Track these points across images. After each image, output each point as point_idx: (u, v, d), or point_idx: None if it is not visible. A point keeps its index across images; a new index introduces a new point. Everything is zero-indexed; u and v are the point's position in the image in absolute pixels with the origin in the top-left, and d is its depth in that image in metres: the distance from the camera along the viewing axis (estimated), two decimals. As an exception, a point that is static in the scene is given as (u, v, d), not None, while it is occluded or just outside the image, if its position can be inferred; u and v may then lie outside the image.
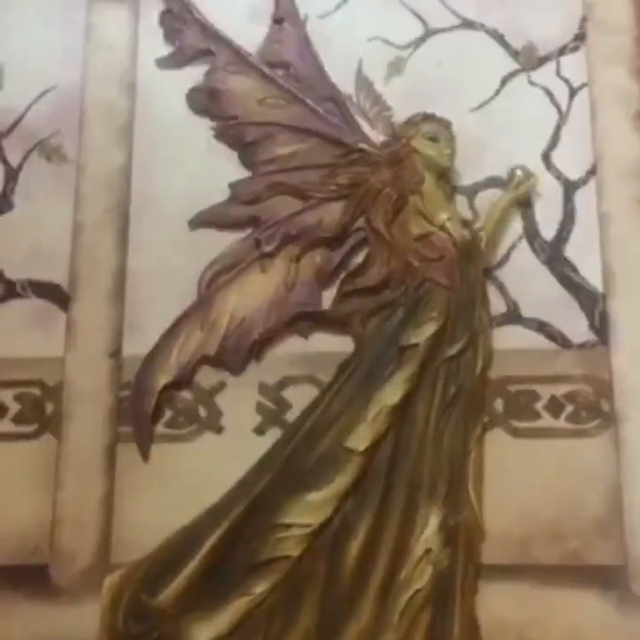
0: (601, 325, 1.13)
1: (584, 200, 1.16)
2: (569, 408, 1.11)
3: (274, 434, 1.11)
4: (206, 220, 1.17)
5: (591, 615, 1.05)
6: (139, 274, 1.17)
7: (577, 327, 1.13)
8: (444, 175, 1.16)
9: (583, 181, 1.17)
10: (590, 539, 1.07)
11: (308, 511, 1.05)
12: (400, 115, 1.18)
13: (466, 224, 1.13)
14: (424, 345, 1.09)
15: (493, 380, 1.11)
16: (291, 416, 1.12)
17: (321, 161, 1.16)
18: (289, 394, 1.13)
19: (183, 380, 1.13)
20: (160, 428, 1.13)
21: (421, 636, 1.03)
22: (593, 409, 1.10)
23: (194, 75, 1.22)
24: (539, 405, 1.11)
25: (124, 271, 1.17)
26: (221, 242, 1.16)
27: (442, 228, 1.12)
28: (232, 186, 1.17)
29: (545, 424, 1.10)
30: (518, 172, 1.15)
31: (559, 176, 1.17)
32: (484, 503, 1.08)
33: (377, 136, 1.18)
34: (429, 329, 1.09)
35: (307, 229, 1.14)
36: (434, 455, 1.07)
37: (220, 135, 1.19)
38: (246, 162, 1.18)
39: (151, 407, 1.12)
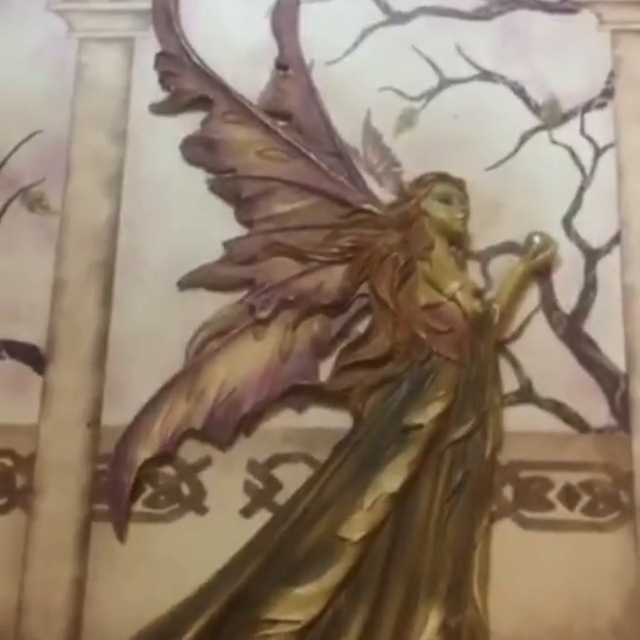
0: (622, 409, 1.09)
1: (607, 270, 1.13)
2: (585, 498, 1.06)
3: (262, 517, 1.07)
4: (197, 280, 1.14)
5: None
6: (122, 337, 1.14)
7: (596, 410, 1.09)
8: (456, 240, 1.13)
9: (607, 250, 1.14)
10: (607, 647, 1.04)
11: (296, 606, 1.01)
12: (410, 172, 1.15)
13: (478, 294, 1.10)
14: (429, 426, 1.05)
15: (503, 465, 1.07)
16: (281, 498, 1.08)
17: (323, 221, 1.13)
18: (280, 473, 1.09)
19: (166, 454, 1.09)
20: (139, 507, 1.09)
21: None
22: (611, 500, 1.06)
23: (189, 122, 1.19)
24: (552, 495, 1.07)
25: (106, 333, 1.14)
26: (213, 305, 1.12)
27: (452, 298, 1.09)
28: (226, 244, 1.14)
29: (558, 516, 1.06)
30: (536, 239, 1.11)
31: (581, 244, 1.14)
32: (489, 602, 1.03)
33: (384, 195, 1.15)
34: (436, 409, 1.06)
35: (305, 295, 1.11)
36: (436, 548, 1.03)
37: (216, 189, 1.16)
38: (242, 219, 1.15)
39: (130, 483, 1.08)
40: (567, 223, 1.15)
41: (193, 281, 1.14)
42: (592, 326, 1.12)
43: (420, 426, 1.05)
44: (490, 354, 1.08)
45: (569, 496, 1.07)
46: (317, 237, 1.12)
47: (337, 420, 1.09)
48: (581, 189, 1.15)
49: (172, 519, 1.09)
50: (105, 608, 1.06)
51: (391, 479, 1.04)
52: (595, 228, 1.14)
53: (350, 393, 1.08)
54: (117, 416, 1.11)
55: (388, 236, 1.11)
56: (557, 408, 1.09)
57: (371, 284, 1.10)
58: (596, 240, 1.14)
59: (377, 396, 1.09)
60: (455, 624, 1.01)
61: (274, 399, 1.10)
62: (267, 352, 1.10)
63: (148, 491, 1.10)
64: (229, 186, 1.16)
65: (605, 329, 1.11)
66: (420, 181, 1.13)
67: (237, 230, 1.15)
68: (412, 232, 1.11)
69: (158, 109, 1.20)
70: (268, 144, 1.16)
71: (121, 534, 1.08)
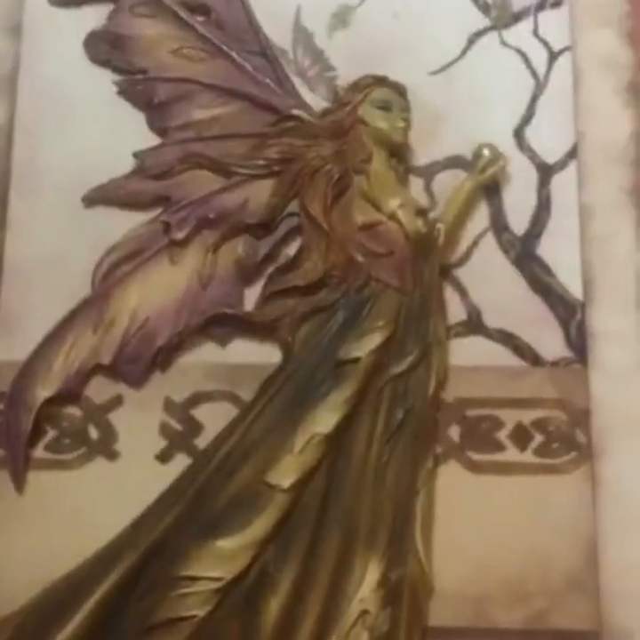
0: (579, 340, 1.01)
1: (562, 188, 1.04)
2: (538, 438, 0.99)
3: (180, 462, 0.98)
4: (104, 196, 1.03)
5: (557, 690, 0.96)
6: (18, 262, 1.03)
7: (550, 341, 1.01)
8: (397, 152, 1.03)
9: (562, 165, 1.05)
10: (560, 598, 0.96)
11: (218, 561, 0.92)
12: (345, 77, 1.05)
13: (421, 213, 1.01)
14: (367, 359, 0.96)
15: (449, 402, 1.00)
16: (202, 441, 0.99)
17: (247, 129, 1.03)
18: (201, 413, 1.00)
19: (70, 393, 1.00)
20: (39, 452, 0.99)
21: None
22: (566, 440, 0.99)
23: (94, 16, 1.08)
24: (502, 435, 0.99)
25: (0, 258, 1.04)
26: (122, 224, 1.02)
27: (392, 216, 0.99)
28: (137, 155, 1.03)
29: (509, 457, 0.99)
30: (486, 151, 1.03)
31: (533, 157, 1.05)
32: (434, 554, 0.96)
33: (316, 102, 1.05)
34: (374, 340, 0.97)
35: (227, 213, 1.01)
36: (375, 495, 0.95)
37: (125, 92, 1.06)
38: (156, 126, 1.05)
39: (28, 426, 0.98)
40: (519, 135, 1.06)
41: (100, 197, 1.03)
42: (546, 249, 1.03)
43: (356, 359, 0.96)
44: (434, 280, 1.00)
45: (520, 436, 0.99)
46: (241, 148, 1.02)
47: (264, 354, 1.00)
48: (534, 97, 1.06)
49: (79, 465, 1.00)
50: (1, 567, 0.97)
51: (324, 418, 0.95)
52: (549, 141, 1.05)
53: (279, 323, 0.99)
54: (13, 350, 1.01)
55: (320, 146, 1.01)
56: (508, 339, 1.01)
57: (301, 201, 1.00)
58: (551, 154, 1.05)
59: (309, 326, 0.99)
60: (396, 577, 0.93)
61: (193, 330, 1.00)
62: (184, 277, 1.01)
63: (50, 434, 1.00)
64: (140, 89, 1.06)
65: (560, 252, 1.03)
66: (357, 86, 1.03)
67: (150, 140, 1.05)
68: (348, 142, 1.01)
69: (58, 0, 1.09)
70: (184, 41, 1.05)
71: (19, 483, 0.99)
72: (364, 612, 0.93)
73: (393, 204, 1.00)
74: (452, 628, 0.95)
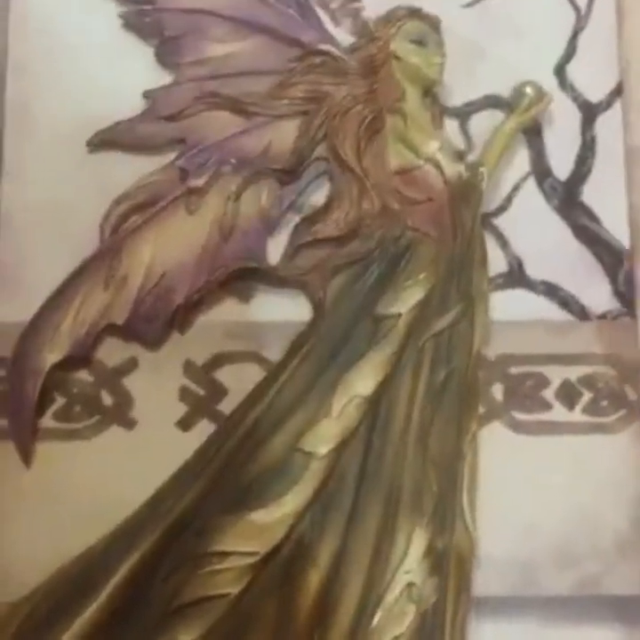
0: (627, 291, 0.99)
1: (607, 129, 1.02)
2: (586, 396, 0.97)
3: (204, 429, 0.95)
4: (112, 139, 0.98)
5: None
6: (16, 212, 0.98)
7: (597, 293, 0.99)
8: (432, 91, 1.00)
9: (606, 104, 1.03)
10: (611, 562, 0.94)
11: (251, 535, 0.89)
12: (374, 8, 1.00)
13: (460, 156, 0.98)
14: (407, 315, 0.93)
15: (491, 360, 0.97)
16: (226, 406, 0.95)
17: (269, 66, 0.98)
18: (223, 376, 0.96)
19: (80, 356, 0.95)
20: (47, 421, 0.95)
21: (400, 694, 0.90)
22: (616, 397, 0.97)
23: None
24: (548, 393, 0.97)
25: (-4, 208, 1.00)
26: (133, 171, 0.97)
27: (430, 160, 0.96)
28: (147, 95, 0.99)
29: (555, 417, 0.97)
30: (528, 90, 0.99)
31: (576, 97, 1.03)
32: (478, 518, 0.93)
33: (341, 36, 1.01)
34: (415, 295, 0.94)
35: (249, 157, 0.96)
36: (418, 460, 0.92)
37: (132, 24, 1.00)
38: (167, 63, 1.00)
39: (35, 393, 0.94)
40: (560, 73, 1.03)
41: (107, 140, 0.98)
42: (591, 195, 1.01)
43: (396, 315, 0.93)
44: (477, 229, 0.97)
45: (567, 393, 0.97)
46: (262, 86, 0.98)
47: (292, 311, 0.96)
48: (576, 32, 1.04)
49: (92, 435, 0.96)
50: (7, 549, 0.93)
51: (363, 379, 0.92)
52: (592, 79, 1.03)
53: (308, 277, 0.96)
54: (15, 311, 0.96)
55: (350, 84, 0.97)
56: (552, 291, 0.99)
57: (330, 145, 0.96)
58: (594, 93, 1.03)
59: (341, 280, 0.96)
60: (442, 546, 0.91)
61: (213, 286, 0.96)
62: (203, 229, 0.96)
63: (59, 401, 0.96)
64: (149, 21, 1.00)
65: (606, 198, 1.01)
66: (389, 18, 0.99)
67: (160, 78, 1.00)
68: (380, 80, 0.98)
69: None
70: (197, -34, 1.01)
71: (26, 456, 0.94)
72: (410, 585, 0.90)
73: (431, 146, 0.96)
74: (498, 597, 0.94)
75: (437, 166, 0.96)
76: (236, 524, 0.90)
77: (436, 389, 0.94)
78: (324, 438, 0.91)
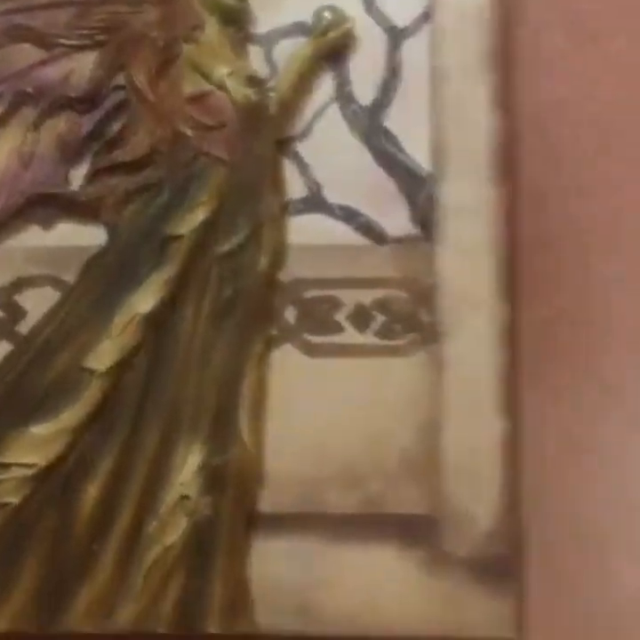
0: (426, 215, 1.00)
1: (414, 54, 1.02)
2: (379, 319, 0.99)
3: (2, 351, 0.99)
4: None
5: (390, 575, 0.96)
6: None
7: (396, 218, 1.01)
8: (234, 20, 1.02)
9: (414, 30, 1.03)
10: (395, 482, 0.97)
11: (32, 448, 0.95)
12: (176, -63, 1.04)
13: (254, 82, 1.00)
14: (191, 237, 0.97)
15: (285, 283, 1.00)
16: (25, 327, 1.00)
17: (72, -3, 1.03)
18: (24, 299, 1.00)
19: None
20: None
21: (171, 603, 0.94)
22: (409, 320, 0.99)
23: None
24: (341, 316, 1.00)
25: None
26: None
27: (220, 86, 1.00)
28: (-51, 26, 1.04)
29: (348, 339, 0.99)
30: (327, 14, 1.01)
31: (383, 21, 1.03)
32: (268, 438, 0.97)
33: (143, -34, 1.05)
34: (198, 216, 0.97)
35: (48, 86, 1.00)
36: (199, 379, 0.96)
37: None
38: (-31, -5, 1.05)
39: None
40: (367, -2, 1.06)
41: None
42: (395, 121, 1.02)
43: (179, 236, 0.97)
44: (267, 153, 0.99)
45: (361, 317, 0.99)
46: (62, 18, 1.01)
47: (90, 236, 1.00)
48: (383, -45, 1.06)
49: None
50: None
51: (145, 298, 0.96)
52: (400, 4, 1.03)
53: (104, 202, 0.99)
54: None
55: (146, 13, 1.00)
56: (350, 216, 1.01)
57: (127, 73, 1.00)
58: (402, 18, 1.03)
59: (136, 205, 1.00)
60: (218, 463, 0.95)
61: (13, 212, 1.00)
62: (2, 158, 1.00)
63: None
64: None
65: (410, 124, 1.02)
66: (184, -56, 1.03)
67: (-35, 10, 1.05)
68: (176, 9, 1.01)
69: None
70: None
71: None
72: (184, 497, 0.94)
73: (221, 72, 0.99)
74: (282, 515, 0.97)
75: (227, 92, 0.99)
76: (17, 437, 0.95)
77: (221, 311, 0.97)
78: (104, 355, 0.96)
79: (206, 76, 1.00)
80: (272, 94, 1.00)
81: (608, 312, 1.03)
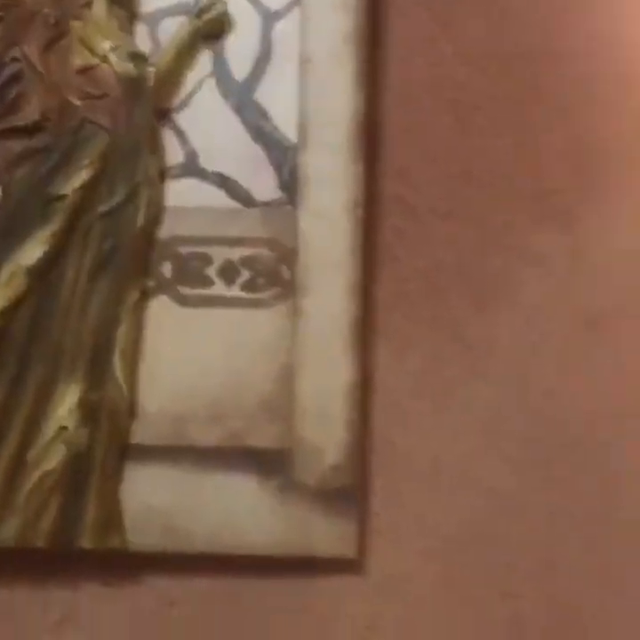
0: (290, 182, 1.12)
1: (285, 35, 1.13)
2: (245, 274, 1.11)
3: None
4: None
5: (247, 502, 1.09)
6: None
7: (264, 184, 1.12)
8: (120, -1, 1.14)
9: (285, 12, 1.14)
10: (254, 420, 1.09)
11: None
12: None
13: (135, 57, 1.11)
14: (73, 196, 1.08)
15: (162, 240, 1.11)
16: None
17: (-27, -26, 1.13)
18: None
19: None
20: None
21: (50, 520, 1.06)
22: (272, 276, 1.11)
23: None
24: (211, 270, 1.12)
25: None
26: None
27: (104, 59, 1.10)
28: None
29: (217, 292, 1.11)
30: (203, -4, 1.13)
31: (256, 3, 1.14)
32: (141, 379, 1.10)
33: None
34: (80, 178, 1.09)
35: (-53, 58, 1.11)
36: (79, 324, 1.08)
37: None
38: None
39: None
40: (241, -22, 1.16)
41: None
42: (265, 96, 1.13)
43: (62, 196, 1.08)
44: (146, 121, 1.11)
45: (229, 272, 1.11)
46: (-40, -6, 1.12)
47: (-12, 197, 1.13)
48: (258, -60, 1.16)
49: None
50: None
51: (30, 252, 1.08)
52: (274, -12, 1.16)
53: (-2, 166, 1.12)
54: None
55: (39, -10, 1.12)
56: (223, 182, 1.12)
57: (20, 47, 1.10)
58: (275, 1, 1.13)
59: (27, 168, 1.10)
60: (94, 399, 1.07)
61: None
62: None
63: None
64: None
65: (279, 99, 1.13)
66: None
67: None
68: (67, -13, 1.12)
69: None
70: None
71: None
72: (62, 428, 1.07)
73: (105, 46, 1.10)
74: (152, 446, 1.09)
75: (111, 65, 1.10)
76: None
77: (101, 264, 1.09)
78: (-8, 305, 1.08)
79: (92, 51, 1.10)
80: (152, 68, 1.11)
81: (458, 271, 1.15)
